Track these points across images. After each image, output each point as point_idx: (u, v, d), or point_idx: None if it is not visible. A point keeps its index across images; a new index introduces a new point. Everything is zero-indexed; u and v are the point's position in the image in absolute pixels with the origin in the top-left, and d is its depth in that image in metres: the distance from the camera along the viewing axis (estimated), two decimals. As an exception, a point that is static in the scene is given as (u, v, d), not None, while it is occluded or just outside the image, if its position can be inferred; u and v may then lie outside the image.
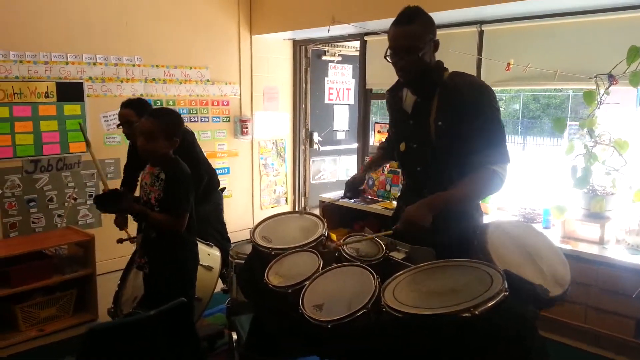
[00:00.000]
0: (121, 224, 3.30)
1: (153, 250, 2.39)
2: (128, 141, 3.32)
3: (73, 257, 3.62)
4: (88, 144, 3.14)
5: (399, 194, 4.17)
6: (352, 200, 4.18)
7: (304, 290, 1.64)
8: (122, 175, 3.55)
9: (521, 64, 3.56)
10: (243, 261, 2.76)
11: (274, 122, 5.58)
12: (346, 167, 6.15)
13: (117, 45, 4.33)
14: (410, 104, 1.99)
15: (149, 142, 2.25)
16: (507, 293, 1.34)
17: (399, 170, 4.27)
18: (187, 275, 2.46)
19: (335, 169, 6.13)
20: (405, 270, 1.63)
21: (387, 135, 2.44)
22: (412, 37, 1.83)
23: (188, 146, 2.95)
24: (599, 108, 3.20)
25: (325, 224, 2.06)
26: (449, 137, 1.87)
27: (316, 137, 5.81)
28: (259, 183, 5.56)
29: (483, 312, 1.28)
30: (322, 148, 5.88)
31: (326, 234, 2.02)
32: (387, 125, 2.30)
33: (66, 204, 4.13)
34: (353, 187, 2.30)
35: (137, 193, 2.73)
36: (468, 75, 1.95)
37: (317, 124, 5.85)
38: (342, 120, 6.09)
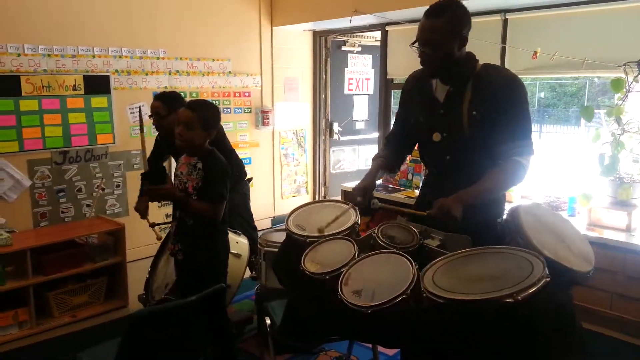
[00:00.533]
0: (143, 212, 3.25)
1: (188, 238, 2.45)
2: (154, 135, 3.39)
3: (103, 245, 3.69)
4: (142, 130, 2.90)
5: (421, 183, 4.21)
6: (378, 185, 4.12)
7: (342, 276, 1.66)
8: (147, 167, 3.55)
9: (547, 52, 3.53)
10: (272, 249, 2.82)
11: (294, 112, 5.61)
12: (365, 156, 6.16)
13: (142, 39, 4.38)
14: (441, 93, 1.99)
15: (187, 131, 2.30)
16: (548, 279, 1.35)
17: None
18: (219, 263, 2.52)
19: (354, 159, 6.15)
20: (442, 257, 1.65)
21: (389, 134, 2.28)
22: (435, 31, 1.83)
23: (221, 138, 2.99)
24: (627, 96, 3.18)
25: (358, 212, 2.08)
26: (482, 127, 1.89)
27: (336, 127, 5.82)
28: (280, 173, 5.60)
29: (525, 298, 1.29)
30: (342, 138, 5.90)
31: (359, 222, 2.05)
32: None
33: (94, 194, 4.21)
34: (366, 193, 2.03)
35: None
36: (502, 68, 1.99)
37: (336, 114, 5.87)
38: (361, 110, 6.09)
